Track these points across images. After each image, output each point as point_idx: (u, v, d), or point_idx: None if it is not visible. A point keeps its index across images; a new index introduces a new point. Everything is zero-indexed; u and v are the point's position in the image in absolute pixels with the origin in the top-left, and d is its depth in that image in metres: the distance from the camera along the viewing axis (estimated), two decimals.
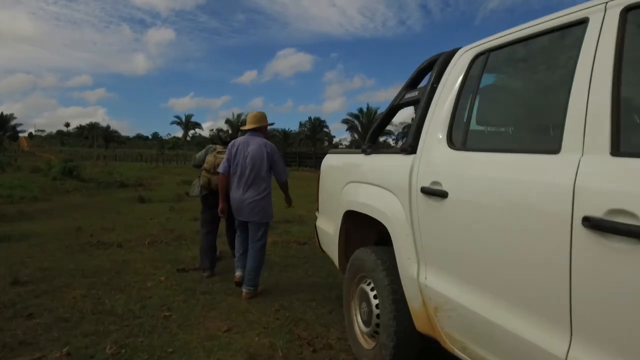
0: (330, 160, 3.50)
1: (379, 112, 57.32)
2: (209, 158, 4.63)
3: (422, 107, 2.32)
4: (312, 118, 72.40)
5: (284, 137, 75.12)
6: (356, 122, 58.89)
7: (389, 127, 59.81)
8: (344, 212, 2.94)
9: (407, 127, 60.19)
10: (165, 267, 4.99)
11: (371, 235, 3.08)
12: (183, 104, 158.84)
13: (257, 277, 3.98)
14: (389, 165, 2.47)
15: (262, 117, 4.16)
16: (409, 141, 2.29)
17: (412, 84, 2.62)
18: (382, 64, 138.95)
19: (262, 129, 4.12)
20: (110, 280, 4.45)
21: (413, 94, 2.48)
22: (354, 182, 2.88)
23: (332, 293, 4.15)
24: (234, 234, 4.38)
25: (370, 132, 2.89)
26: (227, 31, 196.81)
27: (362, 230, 3.03)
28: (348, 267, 2.87)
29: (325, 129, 74.13)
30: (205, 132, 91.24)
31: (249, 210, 3.91)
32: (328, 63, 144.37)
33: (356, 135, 59.99)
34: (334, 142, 76.64)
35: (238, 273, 4.12)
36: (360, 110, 58.25)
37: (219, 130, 6.53)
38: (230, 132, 7.01)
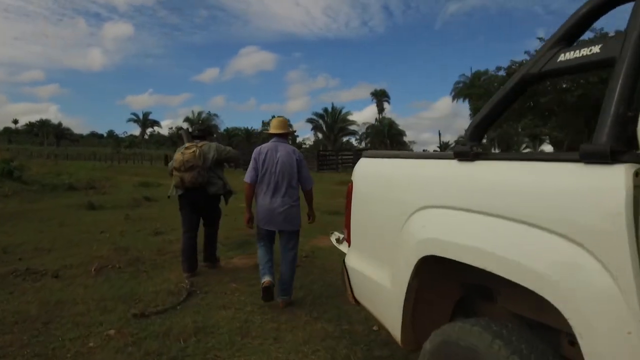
0: (373, 168, 2.30)
1: (344, 111, 56.66)
2: (177, 156, 4.55)
3: (629, 71, 1.18)
4: (276, 117, 70.78)
5: (246, 136, 73.30)
6: (321, 121, 57.85)
7: (352, 127, 58.97)
8: (417, 258, 1.76)
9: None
10: (117, 309, 3.66)
11: (452, 290, 1.94)
12: (141, 101, 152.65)
13: (291, 286, 3.93)
14: (552, 184, 1.29)
15: (287, 123, 4.17)
16: (608, 136, 1.15)
17: (568, 37, 1.46)
18: (346, 64, 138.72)
19: (287, 135, 4.06)
20: (33, 340, 3.08)
21: (586, 51, 1.32)
22: (439, 207, 1.71)
23: (354, 352, 2.97)
24: (188, 241, 4.62)
25: (475, 125, 1.70)
26: (188, 27, 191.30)
27: (444, 284, 1.88)
28: (430, 350, 1.69)
29: (289, 128, 72.62)
30: (164, 130, 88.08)
31: (282, 219, 3.80)
32: (291, 62, 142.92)
33: (320, 135, 59.06)
34: (297, 141, 75.42)
35: (267, 278, 3.78)
36: (325, 109, 57.23)
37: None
38: (199, 126, 6.16)
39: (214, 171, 4.68)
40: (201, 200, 4.64)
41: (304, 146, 63.34)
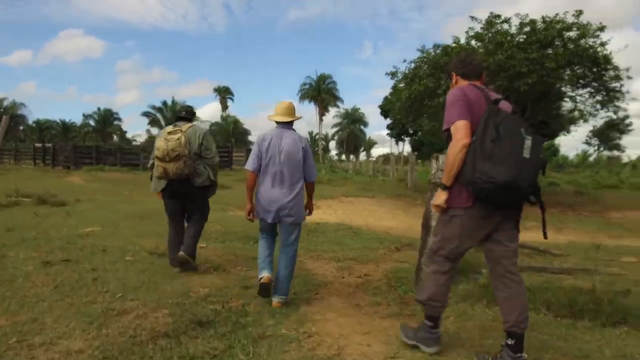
0: None
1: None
2: (159, 143, 4.06)
3: None
4: (102, 109, 63.25)
5: (63, 130, 63.77)
6: (159, 116, 53.68)
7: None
8: None
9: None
10: None
11: None
12: None
13: (288, 285, 3.71)
14: None
15: (294, 108, 3.83)
16: None
17: None
18: (184, 58, 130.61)
19: (293, 122, 3.78)
20: None
21: None
22: None
23: None
24: (175, 232, 4.42)
25: None
26: None
27: None
28: None
29: (118, 122, 65.87)
30: None
31: (285, 211, 3.59)
32: (123, 51, 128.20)
33: (158, 130, 54.70)
34: (127, 136, 68.63)
35: (266, 274, 3.61)
36: (165, 103, 53.33)
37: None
38: (185, 106, 4.87)
39: (200, 159, 4.23)
40: (187, 192, 4.23)
41: (134, 143, 58.08)
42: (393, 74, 14.63)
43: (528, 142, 2.25)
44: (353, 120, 59.94)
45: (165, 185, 4.18)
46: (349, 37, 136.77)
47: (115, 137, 66.75)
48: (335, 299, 3.95)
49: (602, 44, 11.77)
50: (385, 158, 41.78)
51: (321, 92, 53.54)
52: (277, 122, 3.72)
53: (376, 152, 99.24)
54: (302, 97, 54.95)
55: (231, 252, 5.48)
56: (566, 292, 3.68)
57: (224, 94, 60.62)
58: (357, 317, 3.49)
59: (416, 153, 41.65)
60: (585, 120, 14.33)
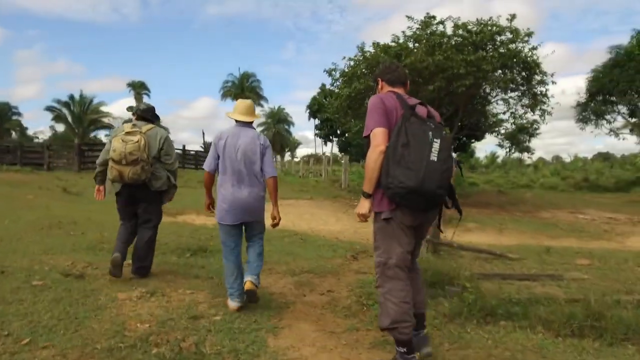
0: None
1: (96, 101, 49.58)
2: (116, 144, 3.78)
3: None
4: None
5: None
6: (65, 111, 49.01)
7: (107, 120, 52.87)
8: None
9: None
10: None
11: None
12: None
13: (260, 267, 3.63)
14: None
15: (253, 107, 3.76)
16: None
17: None
18: (94, 51, 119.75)
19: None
20: None
21: None
22: None
23: None
24: (126, 229, 4.15)
25: None
26: None
27: None
28: None
29: (17, 117, 59.47)
30: None
31: (248, 210, 3.52)
32: (23, 40, 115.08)
33: (63, 127, 50.12)
34: (28, 133, 62.08)
35: (237, 304, 3.45)
36: (72, 97, 48.74)
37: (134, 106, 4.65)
38: (145, 105, 4.42)
39: (158, 163, 4.01)
40: (142, 197, 4.03)
41: (37, 140, 52.89)
42: (330, 72, 14.23)
43: (436, 146, 2.29)
44: (279, 120, 59.13)
45: (120, 188, 3.96)
46: (271, 37, 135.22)
47: (14, 134, 60.03)
48: (305, 326, 3.33)
49: (534, 48, 12.28)
50: (317, 159, 41.72)
51: (245, 91, 51.97)
52: (237, 121, 3.60)
53: (301, 152, 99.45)
54: (225, 95, 53.03)
55: (167, 269, 4.63)
56: (561, 307, 3.36)
57: (139, 89, 56.71)
58: (339, 351, 2.91)
59: (343, 154, 42.00)
60: (516, 124, 14.97)
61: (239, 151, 3.47)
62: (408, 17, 13.05)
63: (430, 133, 2.32)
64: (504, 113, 14.76)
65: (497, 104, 14.66)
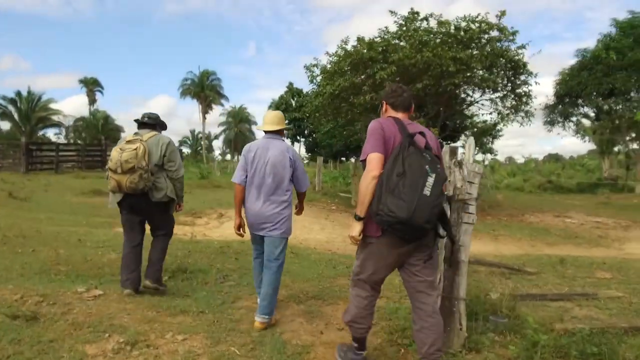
0: None
1: (44, 98, 46.68)
2: (113, 153, 3.66)
3: None
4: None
5: None
6: (11, 108, 45.82)
7: (57, 118, 50.23)
8: None
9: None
10: None
11: None
12: None
13: (272, 304, 3.43)
14: None
15: (282, 118, 3.69)
16: None
17: None
18: (43, 45, 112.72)
19: (281, 131, 3.63)
20: None
21: None
22: None
23: None
24: (130, 246, 3.92)
25: None
26: None
27: None
28: None
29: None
30: None
31: (270, 224, 3.43)
32: None
33: (9, 125, 46.91)
34: None
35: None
36: (19, 94, 45.62)
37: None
38: (150, 113, 4.15)
39: (160, 171, 3.82)
40: (145, 208, 3.84)
41: None
42: (309, 68, 13.36)
43: (430, 180, 2.28)
44: (240, 120, 57.61)
45: (122, 198, 3.79)
46: (232, 36, 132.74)
47: None
48: None
49: (522, 47, 11.90)
50: None
51: (205, 89, 50.22)
52: (265, 132, 3.58)
53: None
54: (184, 93, 51.02)
55: (145, 302, 3.73)
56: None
57: (91, 86, 53.79)
58: None
59: (310, 154, 41.22)
60: (505, 124, 14.71)
61: (268, 164, 3.41)
62: (391, 11, 12.45)
63: (427, 166, 2.30)
64: (490, 114, 14.43)
65: (482, 104, 14.30)
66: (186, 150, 56.35)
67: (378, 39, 12.30)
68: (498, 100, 13.75)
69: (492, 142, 32.72)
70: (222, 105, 53.22)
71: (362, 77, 11.85)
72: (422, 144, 2.47)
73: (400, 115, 2.66)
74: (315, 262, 5.76)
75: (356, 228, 2.51)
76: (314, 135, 34.24)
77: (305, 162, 33.53)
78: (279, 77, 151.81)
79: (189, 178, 17.91)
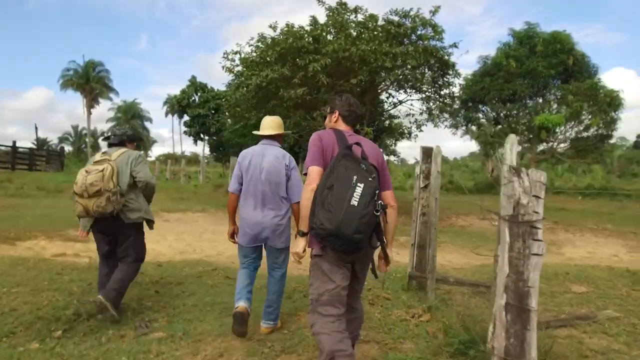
0: None
1: None
2: (78, 177, 3.43)
3: None
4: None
5: None
6: None
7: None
8: None
9: None
10: None
11: None
12: None
13: (278, 310, 3.49)
14: None
15: (281, 123, 3.61)
16: None
17: None
18: None
19: (279, 136, 3.55)
20: None
21: None
22: None
23: None
24: (106, 268, 3.73)
25: None
26: None
27: None
28: None
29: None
30: None
31: (270, 233, 3.35)
32: None
33: None
34: None
35: (242, 304, 3.27)
36: None
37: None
38: (117, 129, 3.98)
39: (132, 190, 3.58)
40: (116, 231, 3.60)
41: None
42: (227, 56, 11.74)
43: (358, 190, 2.23)
44: (133, 116, 52.83)
45: (93, 222, 3.56)
46: (122, 26, 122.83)
47: None
48: None
49: (454, 45, 11.63)
50: (189, 160, 37.89)
51: (91, 81, 45.03)
52: (262, 137, 3.50)
53: (157, 151, 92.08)
54: (65, 85, 45.21)
55: None
56: None
57: None
58: None
59: (214, 154, 38.82)
60: (436, 125, 14.54)
61: (263, 172, 3.35)
62: (319, 1, 11.47)
63: (355, 177, 2.25)
64: (420, 114, 14.12)
65: (411, 104, 14.01)
66: (68, 148, 50.08)
67: (308, 28, 11.30)
68: (422, 101, 13.57)
69: (395, 144, 33.52)
70: (110, 99, 48.23)
71: (293, 68, 10.73)
72: (358, 153, 2.43)
73: (344, 127, 2.65)
74: (261, 287, 4.58)
75: (300, 244, 2.44)
76: (220, 133, 32.11)
77: (205, 161, 31.31)
78: (176, 73, 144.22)
79: (62, 182, 15.51)
